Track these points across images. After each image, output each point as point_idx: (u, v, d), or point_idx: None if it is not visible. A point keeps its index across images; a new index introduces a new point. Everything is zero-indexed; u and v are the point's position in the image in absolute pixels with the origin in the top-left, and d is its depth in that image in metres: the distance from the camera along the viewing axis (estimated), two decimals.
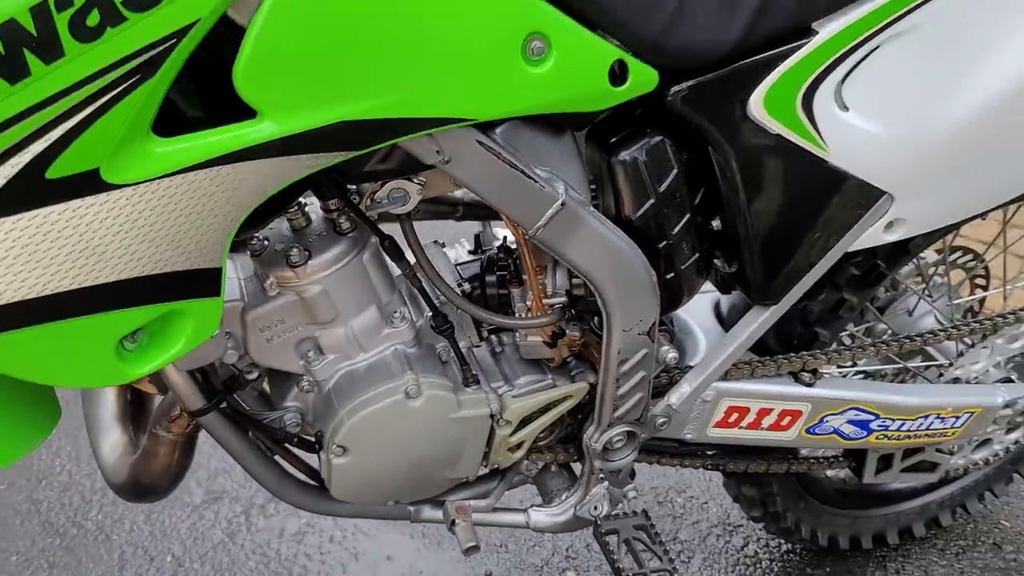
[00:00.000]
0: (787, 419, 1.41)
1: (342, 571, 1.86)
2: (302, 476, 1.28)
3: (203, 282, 0.91)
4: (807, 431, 1.43)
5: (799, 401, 1.40)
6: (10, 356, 0.82)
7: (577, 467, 1.39)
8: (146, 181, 0.80)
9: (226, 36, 0.81)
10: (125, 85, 0.75)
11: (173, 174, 0.81)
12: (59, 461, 2.06)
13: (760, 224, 1.17)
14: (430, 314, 1.18)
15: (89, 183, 0.77)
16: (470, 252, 1.35)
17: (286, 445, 1.20)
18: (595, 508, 1.32)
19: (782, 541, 1.98)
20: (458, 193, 1.27)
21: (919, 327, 1.71)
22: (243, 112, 0.84)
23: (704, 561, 1.94)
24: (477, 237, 1.36)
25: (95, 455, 1.30)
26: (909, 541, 1.98)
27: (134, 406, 1.30)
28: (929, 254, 1.72)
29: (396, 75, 0.87)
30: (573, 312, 1.20)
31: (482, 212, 1.31)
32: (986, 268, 1.83)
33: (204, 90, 0.85)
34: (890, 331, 1.69)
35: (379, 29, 0.85)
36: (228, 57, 0.81)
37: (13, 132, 0.72)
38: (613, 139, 1.11)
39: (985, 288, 1.85)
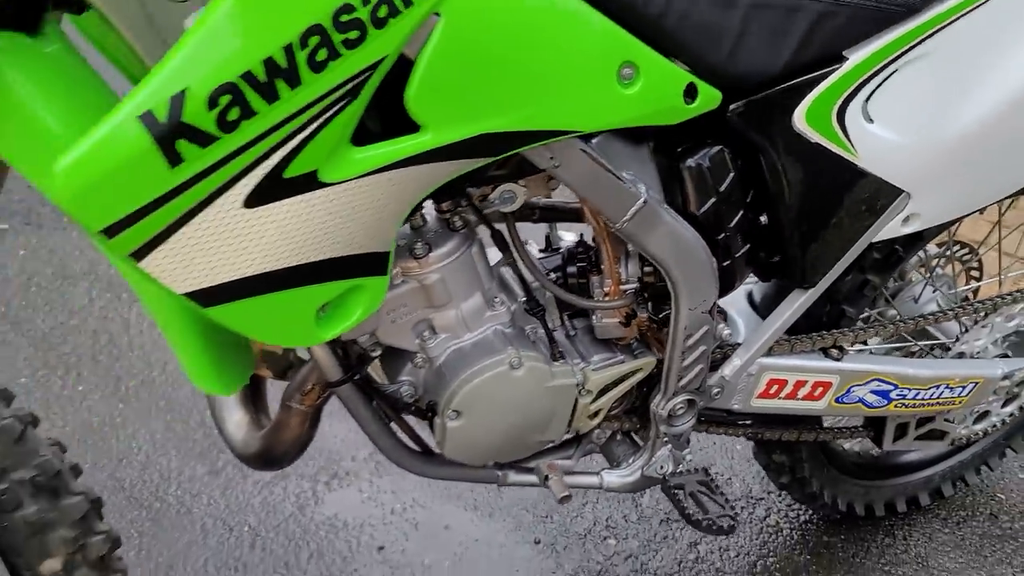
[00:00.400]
0: (819, 390, 1.62)
1: (405, 539, 2.05)
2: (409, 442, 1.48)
3: (379, 263, 1.12)
4: (836, 400, 1.64)
5: (829, 373, 1.61)
6: (245, 317, 1.03)
7: (636, 439, 1.59)
8: (347, 180, 1.01)
9: (393, 68, 1.02)
10: (339, 106, 0.96)
11: (365, 175, 1.02)
12: (136, 443, 2.23)
13: (802, 218, 1.38)
14: (523, 299, 1.39)
15: (310, 182, 0.99)
16: (540, 250, 1.56)
17: (402, 414, 1.40)
18: (661, 467, 1.52)
19: (801, 512, 2.18)
20: (534, 199, 1.48)
21: (924, 312, 1.92)
22: (406, 126, 1.04)
23: None
24: (547, 237, 1.56)
25: (220, 431, 1.48)
26: (915, 511, 2.18)
27: (251, 389, 1.49)
28: (931, 248, 1.93)
29: (525, 97, 1.08)
30: (645, 296, 1.41)
31: (553, 215, 1.51)
32: (979, 261, 2.05)
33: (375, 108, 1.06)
34: (899, 315, 1.90)
35: (514, 62, 1.06)
36: (393, 83, 1.02)
37: (267, 141, 0.94)
38: (680, 148, 1.32)
39: (978, 279, 2.07)
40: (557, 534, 2.10)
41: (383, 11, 0.95)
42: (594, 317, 1.42)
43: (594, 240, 1.43)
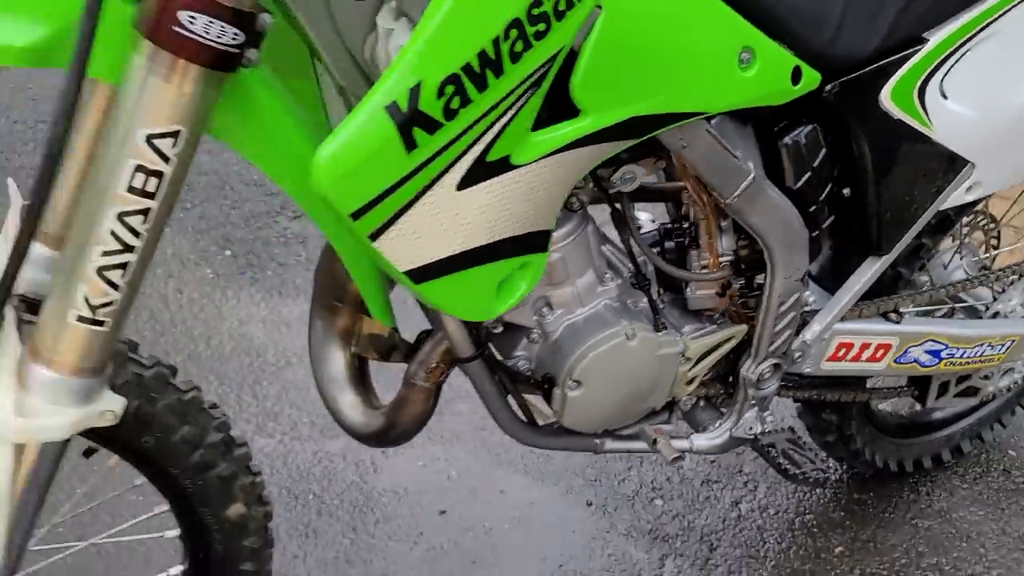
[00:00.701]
0: (880, 351, 1.72)
1: (464, 504, 2.13)
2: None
3: (544, 240, 1.20)
4: (895, 361, 1.75)
5: (890, 336, 1.72)
6: (444, 293, 1.13)
7: (717, 404, 1.68)
8: (530, 163, 1.10)
9: None
10: (528, 93, 1.05)
11: (542, 158, 1.10)
12: None
13: (882, 189, 1.49)
14: (628, 274, 1.47)
15: (505, 165, 1.08)
16: None
17: (518, 386, 1.48)
18: (750, 428, 1.62)
19: (832, 472, 2.29)
20: None
21: (952, 278, 2.05)
22: (564, 112, 1.12)
23: (768, 489, 2.25)
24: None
25: (332, 411, 1.54)
26: (937, 468, 2.31)
27: (358, 370, 1.55)
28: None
29: (667, 81, 1.18)
30: (742, 267, 1.50)
31: (638, 197, 1.59)
32: (998, 232, 2.17)
33: None
34: (931, 280, 2.02)
35: (659, 49, 1.16)
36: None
37: (478, 127, 1.03)
38: (776, 127, 1.41)
39: (996, 248, 2.19)
40: (607, 496, 2.19)
41: (562, 4, 1.03)
42: (688, 289, 1.51)
43: (685, 216, 1.51)
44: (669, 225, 1.53)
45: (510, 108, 1.04)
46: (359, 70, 1.14)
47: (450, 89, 0.97)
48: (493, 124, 1.04)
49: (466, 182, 1.05)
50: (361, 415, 1.51)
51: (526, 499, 2.17)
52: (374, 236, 1.02)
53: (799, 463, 1.60)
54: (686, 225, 1.50)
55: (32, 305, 1.20)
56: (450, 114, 0.99)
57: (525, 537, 2.09)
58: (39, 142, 3.24)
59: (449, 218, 1.05)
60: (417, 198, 1.02)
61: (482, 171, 1.06)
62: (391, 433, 1.51)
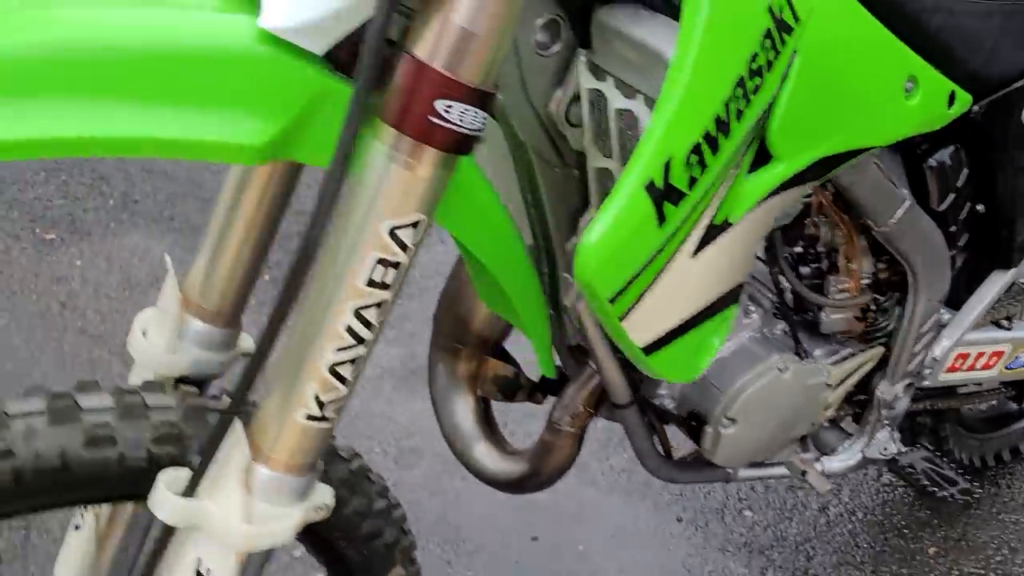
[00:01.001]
0: (994, 359, 1.71)
1: (556, 527, 2.10)
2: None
3: (740, 291, 1.17)
4: (1007, 367, 1.74)
5: (1004, 343, 1.70)
6: (666, 360, 1.09)
7: (842, 425, 1.66)
8: (742, 217, 1.07)
9: None
10: (746, 149, 1.01)
11: (749, 211, 1.07)
12: None
13: (1018, 204, 1.46)
14: (767, 303, 1.43)
15: (726, 224, 1.06)
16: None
17: (663, 424, 1.44)
18: (884, 449, 1.60)
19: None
20: None
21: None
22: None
23: (852, 492, 2.24)
24: None
25: (463, 459, 1.50)
26: (1015, 460, 2.30)
27: (484, 414, 1.51)
28: None
29: (851, 118, 1.15)
30: (882, 289, 1.47)
31: None
32: None
33: None
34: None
35: (845, 88, 1.12)
36: None
37: (711, 190, 1.00)
38: (919, 149, 1.38)
39: None
40: (696, 511, 2.16)
41: (771, 54, 1.00)
42: (823, 313, 1.48)
43: (815, 240, 1.48)
44: (801, 250, 1.50)
45: (734, 167, 1.01)
46: (540, 124, 1.09)
47: (694, 158, 0.95)
48: (722, 185, 1.01)
49: (700, 246, 1.03)
50: (499, 462, 1.47)
51: (616, 518, 2.14)
52: (623, 317, 0.97)
53: (942, 484, 1.58)
54: (821, 249, 1.47)
55: (197, 383, 1.16)
56: (692, 183, 0.96)
57: (622, 557, 2.06)
58: (50, 171, 3.13)
59: (683, 285, 1.03)
60: (662, 271, 0.99)
61: (712, 232, 1.04)
62: (535, 480, 1.47)
